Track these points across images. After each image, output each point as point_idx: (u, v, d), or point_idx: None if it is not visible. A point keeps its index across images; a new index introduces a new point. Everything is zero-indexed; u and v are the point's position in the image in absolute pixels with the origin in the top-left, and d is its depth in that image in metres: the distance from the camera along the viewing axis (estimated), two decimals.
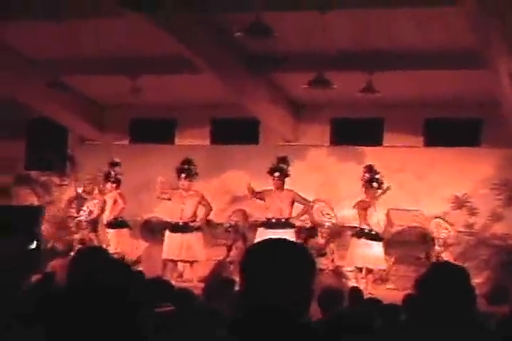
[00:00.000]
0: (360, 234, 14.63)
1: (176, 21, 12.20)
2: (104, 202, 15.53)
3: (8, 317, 4.17)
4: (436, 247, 14.64)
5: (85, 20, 12.97)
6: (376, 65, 13.71)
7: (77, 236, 15.52)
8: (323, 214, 15.21)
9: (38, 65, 15.15)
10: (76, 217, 15.90)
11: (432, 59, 13.44)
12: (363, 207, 14.59)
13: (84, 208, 15.73)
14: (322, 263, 14.30)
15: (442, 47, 13.17)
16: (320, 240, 14.95)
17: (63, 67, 14.96)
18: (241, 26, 11.64)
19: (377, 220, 14.57)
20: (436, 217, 15.02)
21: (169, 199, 15.31)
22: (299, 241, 13.58)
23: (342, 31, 12.87)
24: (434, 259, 14.32)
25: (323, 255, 14.66)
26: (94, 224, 15.50)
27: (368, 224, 14.52)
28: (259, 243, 3.14)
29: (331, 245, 15.02)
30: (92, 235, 15.30)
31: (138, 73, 14.73)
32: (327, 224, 15.13)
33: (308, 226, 15.31)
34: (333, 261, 14.91)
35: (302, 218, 15.19)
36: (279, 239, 3.14)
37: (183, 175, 15.24)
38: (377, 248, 14.58)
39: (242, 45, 13.82)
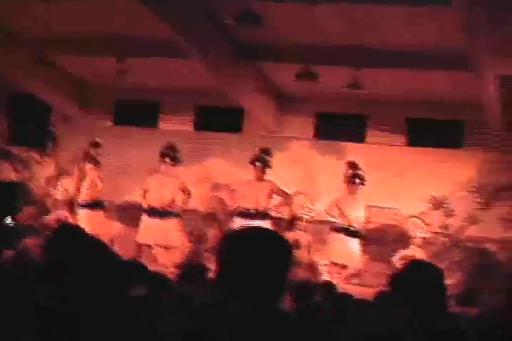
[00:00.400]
0: (339, 229, 14.63)
1: (166, 5, 12.12)
2: (80, 181, 15.43)
3: None
4: (412, 246, 14.67)
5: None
6: (364, 62, 13.68)
7: (53, 215, 15.43)
8: (302, 207, 15.21)
9: (25, 42, 15.03)
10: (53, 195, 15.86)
11: (420, 58, 13.40)
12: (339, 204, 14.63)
13: (59, 187, 15.67)
14: (297, 256, 14.29)
15: (431, 47, 13.13)
16: (297, 233, 14.93)
17: (50, 45, 14.88)
18: (231, 13, 11.62)
19: (355, 216, 14.58)
20: (413, 216, 15.03)
21: None
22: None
23: (332, 25, 12.80)
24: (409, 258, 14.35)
25: (299, 248, 14.63)
26: (70, 203, 15.43)
27: (347, 220, 14.53)
28: (236, 230, 3.10)
29: (309, 238, 15.00)
30: (67, 214, 15.23)
31: (125, 55, 14.67)
32: (306, 217, 15.13)
33: (286, 218, 15.28)
34: (308, 254, 14.89)
35: (280, 210, 15.17)
36: (257, 226, 3.10)
37: (167, 159, 15.11)
38: (354, 244, 14.58)
39: (231, 32, 13.76)
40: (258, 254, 2.86)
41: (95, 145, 15.67)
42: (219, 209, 15.75)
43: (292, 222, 15.12)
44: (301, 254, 14.51)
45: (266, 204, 14.75)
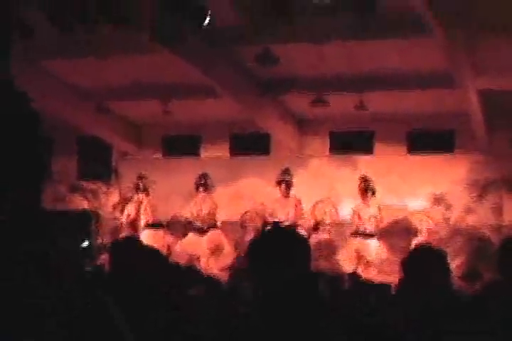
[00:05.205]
0: (358, 233, 14.56)
1: (197, 53, 12.22)
2: (139, 205, 15.51)
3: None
4: (419, 237, 14.59)
5: (123, 56, 12.97)
6: (365, 87, 13.72)
7: (121, 235, 15.47)
8: (324, 213, 15.15)
9: (85, 93, 15.19)
10: (119, 219, 15.91)
11: (412, 80, 13.46)
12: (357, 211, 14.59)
13: (125, 212, 15.74)
14: (323, 253, 14.24)
15: (421, 71, 13.17)
16: (322, 235, 14.85)
17: (106, 94, 15.04)
18: (252, 57, 11.69)
19: (368, 217, 14.51)
20: (418, 212, 15.01)
21: None
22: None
23: (336, 59, 12.86)
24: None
25: (322, 246, 14.51)
26: (132, 224, 15.49)
27: (364, 225, 14.46)
28: (263, 232, 3.11)
29: (331, 238, 14.91)
30: (132, 233, 15.25)
31: (168, 98, 14.79)
32: (328, 221, 15.06)
33: (311, 223, 15.20)
34: (331, 251, 14.75)
35: (304, 218, 15.05)
36: (281, 228, 3.10)
37: (200, 189, 15.25)
38: (371, 242, 14.50)
39: (253, 72, 13.84)
40: (281, 250, 2.84)
41: (142, 177, 15.75)
42: (253, 220, 15.68)
43: (316, 226, 15.03)
44: (325, 252, 14.44)
45: (294, 216, 14.72)
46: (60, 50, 12.39)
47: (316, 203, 15.21)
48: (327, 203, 15.35)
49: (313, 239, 14.33)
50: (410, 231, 15.03)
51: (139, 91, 14.78)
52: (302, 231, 14.07)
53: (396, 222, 15.45)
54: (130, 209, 15.69)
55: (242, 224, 15.70)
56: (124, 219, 15.66)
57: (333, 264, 14.37)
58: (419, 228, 14.73)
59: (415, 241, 14.50)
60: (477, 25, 10.98)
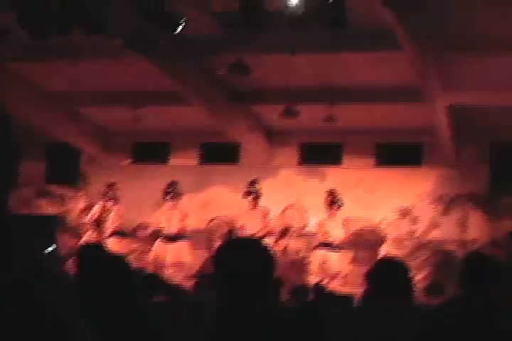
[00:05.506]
0: (322, 245, 14.58)
1: (170, 61, 12.23)
2: (104, 206, 15.45)
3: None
4: (385, 247, 14.68)
5: (95, 62, 12.96)
6: (335, 99, 13.79)
7: (84, 241, 15.36)
8: (293, 217, 15.18)
9: (55, 98, 15.13)
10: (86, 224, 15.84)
11: (381, 94, 13.57)
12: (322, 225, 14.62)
13: (89, 218, 15.67)
14: (287, 260, 14.27)
15: (390, 85, 13.27)
16: (290, 242, 14.85)
17: (76, 100, 15.00)
18: (224, 66, 11.72)
19: (336, 234, 14.54)
20: (384, 224, 15.09)
21: None
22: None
23: (307, 71, 12.93)
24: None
25: (287, 252, 14.53)
26: (97, 224, 15.43)
27: (329, 238, 14.49)
28: (227, 242, 3.11)
29: (298, 245, 14.89)
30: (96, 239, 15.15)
31: (139, 104, 14.76)
32: (296, 226, 15.04)
33: (278, 231, 15.20)
34: (298, 258, 14.77)
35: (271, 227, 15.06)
36: (246, 239, 3.12)
37: (168, 196, 15.24)
38: (336, 257, 14.52)
39: (225, 82, 13.87)
40: (245, 260, 2.83)
41: (110, 186, 15.69)
42: (221, 229, 15.69)
43: (285, 232, 15.02)
44: (289, 258, 14.45)
45: (262, 229, 14.73)
46: (32, 53, 12.36)
47: (286, 208, 15.27)
48: (296, 208, 15.40)
49: (280, 247, 14.38)
50: (376, 242, 15.11)
51: (110, 97, 14.76)
52: (269, 241, 14.11)
53: (361, 234, 15.53)
54: (95, 211, 15.60)
55: (209, 232, 15.71)
56: (88, 225, 15.58)
57: (298, 274, 14.41)
58: (384, 238, 14.82)
59: (381, 251, 14.60)
60: (446, 40, 11.12)
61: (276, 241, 14.69)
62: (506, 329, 3.93)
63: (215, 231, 15.80)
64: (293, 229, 15.05)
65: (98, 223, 15.46)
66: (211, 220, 15.92)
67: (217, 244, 15.23)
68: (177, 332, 4.49)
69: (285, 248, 14.60)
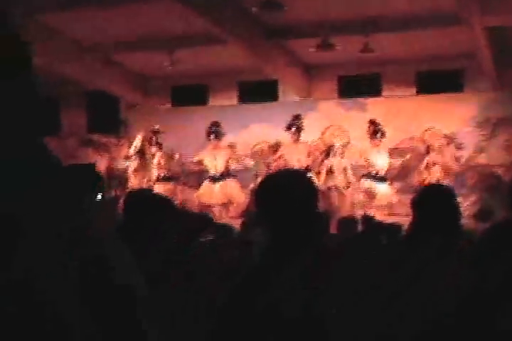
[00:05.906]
0: (367, 176, 14.55)
1: (204, 2, 12.11)
2: (151, 160, 15.58)
3: None
4: (433, 154, 14.62)
5: (128, 7, 12.85)
6: (371, 29, 13.60)
7: (132, 187, 15.45)
8: (334, 136, 15.15)
9: (88, 47, 15.08)
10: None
11: (418, 21, 13.32)
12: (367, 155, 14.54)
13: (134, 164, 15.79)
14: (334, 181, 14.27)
15: (426, 11, 13.01)
16: (333, 159, 14.67)
17: (112, 47, 14.95)
18: (258, 3, 11.63)
19: (381, 164, 14.50)
20: (430, 150, 14.93)
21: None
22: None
23: (341, 2, 12.73)
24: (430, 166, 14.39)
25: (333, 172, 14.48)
26: (141, 153, 15.59)
27: (374, 168, 14.46)
28: (268, 175, 3.05)
29: (345, 162, 14.80)
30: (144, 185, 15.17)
31: (174, 48, 14.67)
32: (337, 144, 14.94)
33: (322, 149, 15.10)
34: (346, 178, 14.71)
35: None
36: (289, 170, 3.07)
37: (212, 136, 15.27)
38: (382, 186, 14.50)
39: (259, 19, 13.72)
40: (288, 192, 2.75)
41: (155, 132, 15.76)
42: (266, 156, 15.66)
43: (328, 150, 14.84)
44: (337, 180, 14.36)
45: (305, 163, 14.72)
46: (60, 2, 12.27)
47: (327, 128, 15.25)
48: (336, 128, 15.36)
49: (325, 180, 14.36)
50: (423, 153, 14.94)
51: (144, 42, 14.68)
52: (313, 175, 14.12)
53: (406, 150, 15.29)
54: (137, 143, 15.70)
55: (253, 156, 15.67)
56: (133, 171, 15.68)
57: (346, 206, 14.43)
58: (431, 145, 14.71)
59: (427, 158, 14.51)
60: None
61: (322, 161, 14.60)
62: None
63: (259, 156, 15.77)
64: (336, 147, 14.88)
65: (140, 149, 15.57)
66: (255, 145, 15.94)
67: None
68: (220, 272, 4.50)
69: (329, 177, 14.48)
